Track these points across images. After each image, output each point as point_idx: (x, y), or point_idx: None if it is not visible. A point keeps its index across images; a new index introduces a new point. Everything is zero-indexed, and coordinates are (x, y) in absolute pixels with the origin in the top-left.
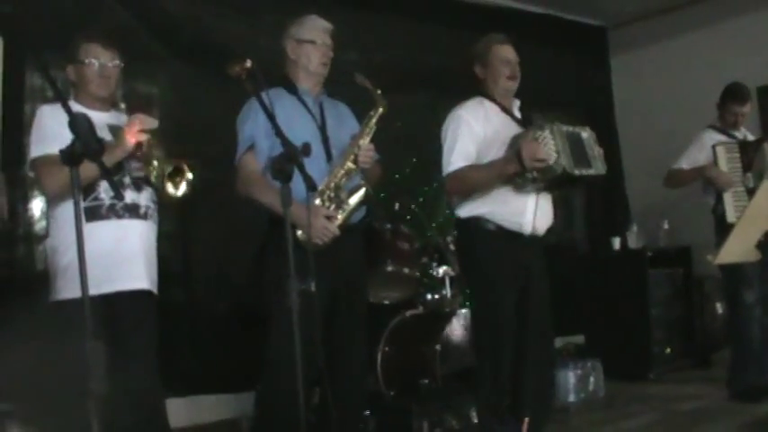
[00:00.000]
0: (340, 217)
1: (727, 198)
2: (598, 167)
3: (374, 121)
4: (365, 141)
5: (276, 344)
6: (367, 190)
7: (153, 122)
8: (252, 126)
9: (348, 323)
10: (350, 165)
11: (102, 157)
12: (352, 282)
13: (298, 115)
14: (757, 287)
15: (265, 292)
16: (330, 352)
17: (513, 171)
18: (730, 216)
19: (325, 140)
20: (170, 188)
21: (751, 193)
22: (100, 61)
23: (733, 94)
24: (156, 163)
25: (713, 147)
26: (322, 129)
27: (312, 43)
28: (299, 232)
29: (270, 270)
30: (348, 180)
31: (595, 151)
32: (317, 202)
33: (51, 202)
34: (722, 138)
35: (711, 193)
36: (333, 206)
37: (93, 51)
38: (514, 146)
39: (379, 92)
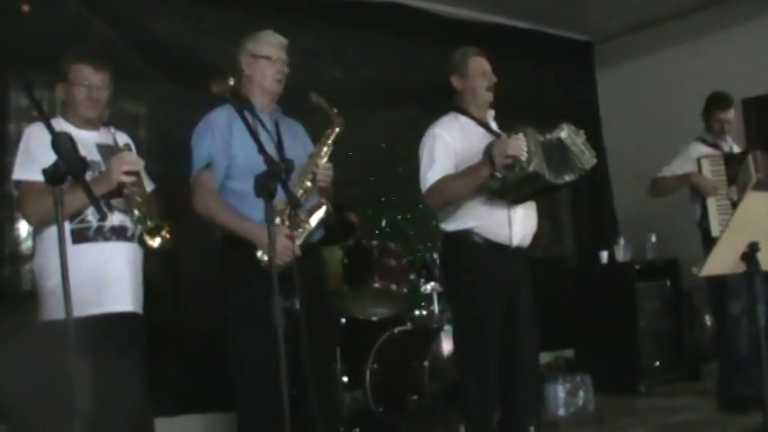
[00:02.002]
0: (301, 237)
1: (712, 211)
2: (588, 160)
3: (331, 139)
4: (323, 160)
5: (245, 370)
6: (327, 208)
7: (139, 163)
8: (209, 143)
9: (314, 342)
10: (308, 184)
11: (84, 175)
12: (315, 301)
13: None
14: (743, 298)
15: (230, 316)
16: (299, 372)
17: (487, 173)
18: (714, 229)
19: (262, 151)
20: (147, 239)
21: (735, 205)
22: (89, 83)
23: (716, 101)
24: (137, 212)
25: (698, 159)
26: (279, 147)
27: (268, 59)
28: (260, 253)
29: (232, 293)
30: (306, 199)
31: (579, 144)
32: (277, 221)
33: (33, 228)
34: (709, 150)
35: (698, 203)
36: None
37: (83, 73)
38: (488, 150)
39: (335, 111)
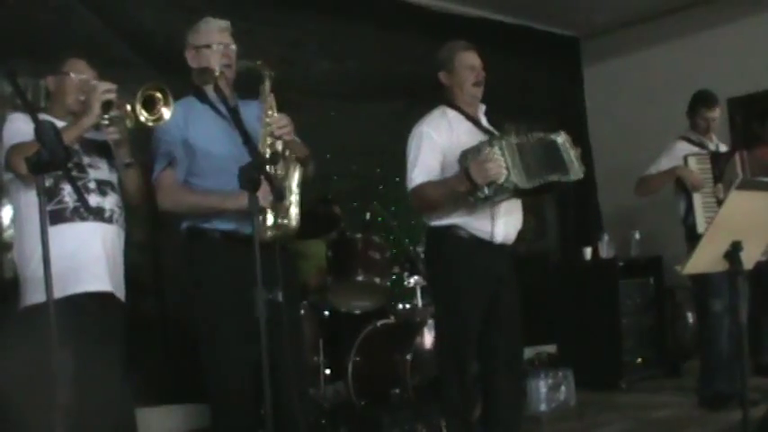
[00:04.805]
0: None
1: (698, 209)
2: (576, 171)
3: (267, 90)
4: (273, 113)
5: (219, 364)
6: (304, 170)
7: (112, 85)
8: (167, 141)
9: (280, 336)
10: (269, 140)
11: (68, 164)
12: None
13: (214, 123)
14: (726, 296)
15: (202, 310)
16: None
17: (465, 190)
18: (700, 227)
19: (248, 141)
20: (148, 116)
21: (721, 204)
22: (83, 77)
23: (702, 99)
24: (128, 107)
25: (685, 157)
26: (241, 131)
27: (208, 47)
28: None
29: (201, 287)
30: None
31: (572, 155)
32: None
33: (17, 191)
34: (694, 149)
35: (683, 199)
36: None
37: (77, 66)
38: (463, 163)
39: (259, 62)
